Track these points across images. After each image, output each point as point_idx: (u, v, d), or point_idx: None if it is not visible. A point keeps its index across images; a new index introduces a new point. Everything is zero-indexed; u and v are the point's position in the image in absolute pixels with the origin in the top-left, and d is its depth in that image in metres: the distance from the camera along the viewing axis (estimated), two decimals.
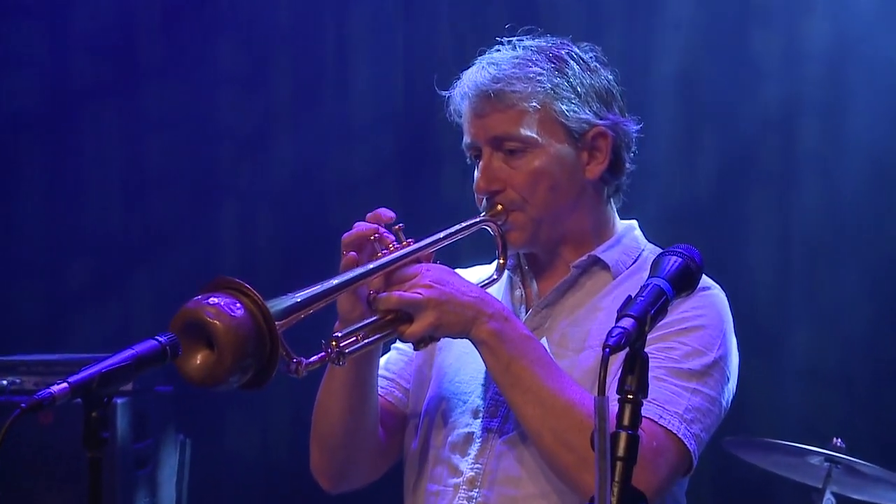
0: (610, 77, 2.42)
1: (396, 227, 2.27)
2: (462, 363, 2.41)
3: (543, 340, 2.34)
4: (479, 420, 2.36)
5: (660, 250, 1.98)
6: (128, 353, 1.87)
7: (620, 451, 1.71)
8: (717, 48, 4.99)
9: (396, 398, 2.48)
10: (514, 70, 2.33)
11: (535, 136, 2.32)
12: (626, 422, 1.72)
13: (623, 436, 1.71)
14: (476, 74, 2.36)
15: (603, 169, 2.38)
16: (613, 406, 1.71)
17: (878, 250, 4.86)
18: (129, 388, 4.20)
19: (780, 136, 4.96)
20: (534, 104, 2.32)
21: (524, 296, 2.44)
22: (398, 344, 2.49)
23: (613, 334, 1.70)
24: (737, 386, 2.35)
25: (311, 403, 2.41)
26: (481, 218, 2.36)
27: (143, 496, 4.39)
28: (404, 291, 2.18)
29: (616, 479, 1.70)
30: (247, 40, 5.35)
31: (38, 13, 5.39)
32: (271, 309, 1.98)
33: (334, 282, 2.15)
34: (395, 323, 2.19)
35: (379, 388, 2.41)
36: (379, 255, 2.23)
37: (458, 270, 2.38)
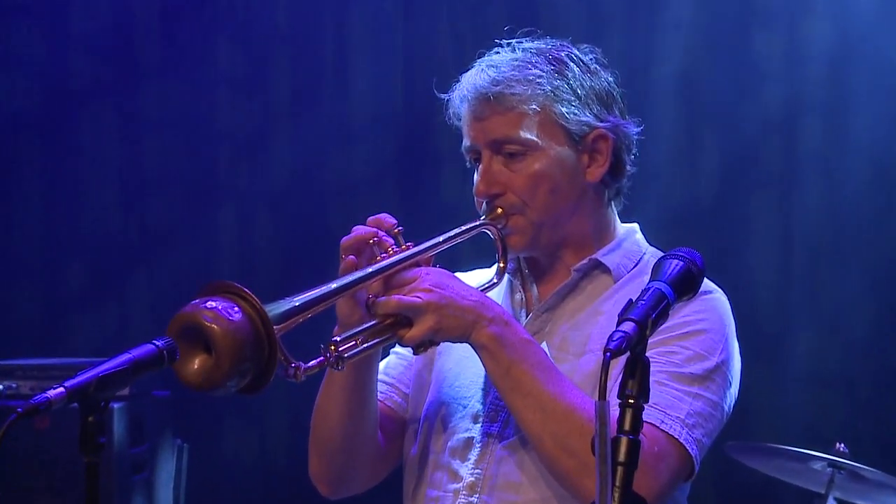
0: (610, 79, 2.40)
1: (396, 230, 2.26)
2: (462, 367, 2.40)
3: (544, 344, 2.33)
4: (478, 425, 2.34)
5: (661, 254, 1.97)
6: (125, 357, 1.86)
7: (621, 456, 1.70)
8: (717, 49, 4.98)
9: (396, 403, 2.47)
10: (513, 72, 2.32)
11: (535, 138, 2.31)
12: (627, 426, 1.72)
13: (624, 440, 1.71)
14: (475, 77, 2.34)
15: (604, 172, 2.37)
16: (614, 411, 1.71)
17: (880, 252, 4.85)
18: (126, 392, 4.19)
19: (781, 138, 4.95)
20: (534, 107, 2.30)
21: (524, 299, 2.43)
22: (397, 348, 2.48)
23: (614, 338, 1.69)
24: (739, 390, 2.33)
25: (310, 408, 2.40)
26: (481, 221, 2.34)
27: (140, 501, 4.38)
28: (403, 295, 2.17)
29: (617, 484, 1.69)
30: (246, 41, 5.34)
31: (37, 13, 5.38)
32: (269, 313, 1.97)
33: (333, 286, 2.14)
34: (394, 327, 2.17)
35: (378, 393, 2.40)
36: (378, 258, 2.22)
37: (457, 274, 2.37)
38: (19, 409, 1.77)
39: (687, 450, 2.19)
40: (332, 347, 2.11)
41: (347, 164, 5.24)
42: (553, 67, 2.34)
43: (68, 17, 5.37)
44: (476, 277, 2.47)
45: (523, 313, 2.42)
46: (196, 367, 1.95)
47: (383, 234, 2.24)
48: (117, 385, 1.84)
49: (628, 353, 1.71)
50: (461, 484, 2.32)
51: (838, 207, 4.89)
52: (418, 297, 2.16)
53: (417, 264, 2.24)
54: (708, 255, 1.92)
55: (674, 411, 2.19)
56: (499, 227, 2.34)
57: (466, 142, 2.38)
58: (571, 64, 2.36)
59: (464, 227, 2.33)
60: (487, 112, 2.32)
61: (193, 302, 1.96)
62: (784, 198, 4.94)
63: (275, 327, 1.97)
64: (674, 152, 4.95)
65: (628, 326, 1.71)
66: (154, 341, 1.89)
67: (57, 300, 5.35)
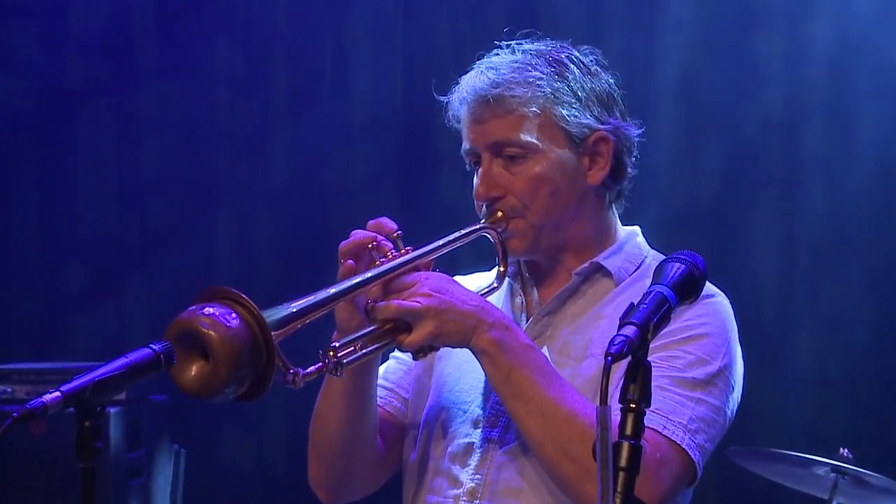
0: (611, 80, 2.39)
1: (395, 234, 2.24)
2: (462, 372, 2.38)
3: (544, 349, 2.32)
4: (479, 430, 2.33)
5: (662, 257, 1.96)
6: (121, 361, 1.85)
7: (623, 462, 1.69)
8: (718, 50, 4.97)
9: (395, 408, 2.46)
10: (513, 75, 2.30)
11: (535, 141, 2.30)
12: (628, 431, 1.70)
13: (625, 445, 1.69)
14: (475, 79, 2.33)
15: (604, 174, 2.35)
16: (616, 416, 1.69)
17: (883, 255, 4.84)
18: (123, 396, 4.20)
19: (782, 139, 4.94)
20: (534, 109, 2.29)
21: (525, 303, 2.42)
22: (397, 353, 2.47)
23: (615, 342, 1.68)
24: (741, 394, 2.32)
25: (309, 412, 2.38)
26: (481, 225, 2.33)
27: None
28: (403, 300, 2.15)
29: (618, 489, 1.68)
30: (245, 41, 5.33)
31: (36, 14, 5.36)
32: (267, 319, 1.96)
33: (332, 291, 2.12)
34: (393, 332, 2.16)
35: (378, 398, 2.39)
36: (377, 263, 2.20)
37: (457, 277, 2.36)
38: (15, 414, 1.76)
39: (689, 455, 2.18)
40: (331, 353, 2.09)
41: (347, 165, 5.23)
42: (553, 69, 2.32)
43: (67, 18, 5.36)
44: (476, 280, 2.45)
45: (524, 317, 2.40)
46: (193, 373, 1.94)
47: (382, 238, 2.22)
48: (114, 389, 1.83)
49: (630, 358, 1.70)
50: (461, 490, 2.30)
51: (840, 209, 4.87)
52: (418, 301, 2.15)
53: (417, 269, 2.23)
54: (709, 258, 1.91)
55: (676, 416, 2.17)
56: (499, 230, 2.33)
57: (466, 144, 2.36)
58: (571, 65, 2.34)
59: (464, 231, 2.32)
60: (487, 115, 2.31)
61: (190, 308, 1.95)
62: (785, 199, 4.93)
63: (273, 333, 1.95)
64: (675, 154, 4.94)
65: (630, 330, 1.70)
66: (151, 345, 1.87)
67: (54, 302, 5.33)
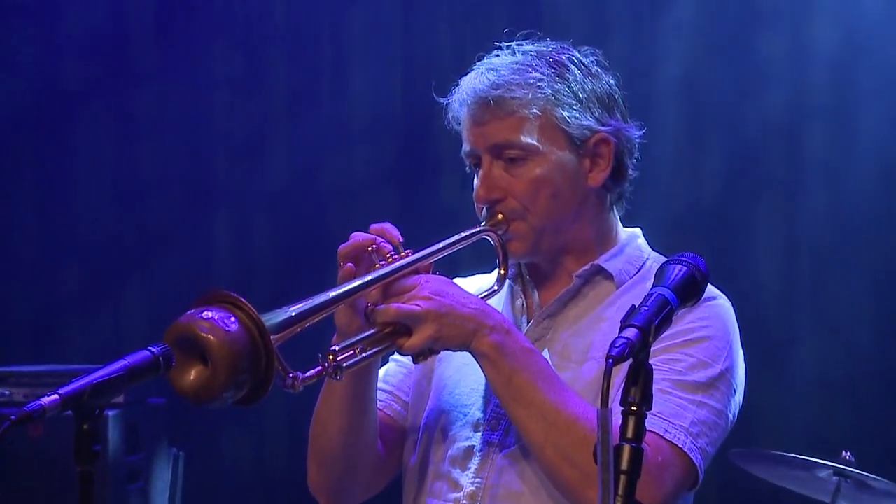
0: (611, 81, 2.38)
1: (397, 241, 2.23)
2: (462, 375, 2.37)
3: (545, 352, 2.31)
4: (479, 433, 2.32)
5: (664, 259, 1.95)
6: (120, 363, 1.83)
7: (624, 465, 1.68)
8: (720, 51, 4.96)
9: (395, 411, 2.45)
10: (513, 76, 2.29)
11: (535, 143, 2.29)
12: (629, 434, 1.70)
13: (626, 448, 1.69)
14: (475, 81, 2.32)
15: (605, 176, 2.34)
16: (617, 419, 1.68)
17: (885, 257, 4.83)
18: (121, 399, 4.19)
19: (785, 141, 4.93)
20: (534, 111, 2.28)
21: (525, 306, 2.41)
22: (397, 356, 2.45)
23: (617, 345, 1.68)
24: (743, 398, 2.31)
25: (309, 415, 2.37)
26: (481, 228, 2.32)
27: None
28: (403, 303, 2.14)
29: (619, 492, 1.67)
30: (243, 43, 5.33)
31: (34, 14, 5.36)
32: (266, 323, 1.95)
33: (331, 294, 2.11)
34: (393, 336, 2.15)
35: (378, 402, 2.37)
36: (377, 266, 2.19)
37: (457, 280, 2.35)
38: (12, 417, 1.75)
39: (691, 459, 2.17)
40: (331, 357, 2.08)
41: (346, 166, 5.22)
42: (553, 70, 2.31)
43: (65, 19, 5.36)
44: (476, 283, 2.45)
45: (524, 319, 2.39)
46: (192, 378, 1.93)
47: (382, 240, 2.21)
48: (112, 392, 1.82)
49: (631, 360, 1.69)
50: (461, 493, 2.29)
51: (843, 211, 4.86)
52: (418, 305, 2.14)
53: (417, 272, 2.21)
54: (711, 260, 1.91)
55: (678, 420, 2.16)
56: (499, 233, 2.32)
57: (466, 146, 2.35)
58: (572, 67, 2.33)
59: (464, 234, 2.31)
60: (487, 116, 2.30)
61: (189, 312, 1.94)
62: (788, 202, 4.92)
63: (272, 337, 1.94)
64: (677, 155, 4.93)
65: (631, 333, 1.70)
66: (150, 348, 1.86)
67: (52, 304, 5.33)
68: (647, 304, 1.75)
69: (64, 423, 1.80)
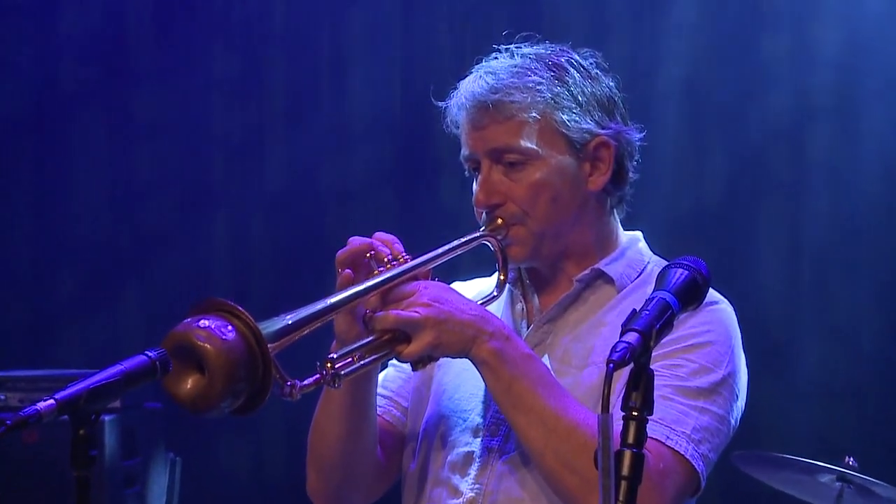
0: (611, 84, 2.36)
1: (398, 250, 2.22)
2: (461, 380, 2.36)
3: (545, 357, 2.30)
4: (479, 439, 2.31)
5: (665, 262, 1.94)
6: (116, 368, 1.82)
7: (625, 470, 1.67)
8: (723, 53, 4.95)
9: (395, 417, 2.44)
10: (512, 79, 2.27)
11: (535, 147, 2.27)
12: (630, 440, 1.68)
13: (627, 454, 1.68)
14: (473, 84, 2.30)
15: (606, 180, 2.33)
16: (618, 424, 1.67)
17: (889, 260, 4.81)
18: (118, 404, 4.19)
19: (788, 143, 4.91)
20: (533, 115, 2.26)
21: (525, 310, 2.40)
22: (395, 361, 2.43)
23: (617, 349, 1.66)
24: (746, 402, 2.29)
25: (307, 420, 2.36)
26: (481, 233, 2.30)
27: None
28: (402, 310, 2.13)
29: (621, 499, 1.65)
30: (242, 43, 5.32)
31: (29, 16, 5.36)
32: (264, 331, 1.93)
33: (329, 301, 2.10)
34: (392, 343, 2.13)
35: (377, 407, 2.36)
36: (375, 272, 2.17)
37: (456, 284, 2.34)
38: (8, 422, 1.74)
39: (693, 466, 2.15)
40: (329, 365, 2.06)
41: (345, 169, 5.21)
42: (553, 73, 2.30)
43: (64, 19, 5.36)
44: (476, 287, 2.44)
45: (524, 324, 2.38)
46: (189, 387, 1.91)
47: (380, 245, 2.19)
48: (109, 397, 1.81)
49: (632, 365, 1.68)
50: (461, 499, 2.28)
51: (846, 213, 4.85)
52: (416, 312, 2.12)
53: (416, 278, 2.20)
54: (713, 264, 1.90)
55: (679, 426, 2.15)
56: (499, 238, 2.30)
57: (465, 151, 2.34)
58: (571, 69, 2.32)
59: (463, 239, 2.29)
60: (486, 121, 2.28)
61: (186, 320, 1.92)
62: (790, 203, 4.91)
63: (269, 346, 1.93)
64: (679, 158, 4.91)
65: (632, 337, 1.69)
66: (146, 352, 1.85)
67: (48, 308, 5.32)
68: (649, 308, 1.74)
69: (60, 428, 1.79)
